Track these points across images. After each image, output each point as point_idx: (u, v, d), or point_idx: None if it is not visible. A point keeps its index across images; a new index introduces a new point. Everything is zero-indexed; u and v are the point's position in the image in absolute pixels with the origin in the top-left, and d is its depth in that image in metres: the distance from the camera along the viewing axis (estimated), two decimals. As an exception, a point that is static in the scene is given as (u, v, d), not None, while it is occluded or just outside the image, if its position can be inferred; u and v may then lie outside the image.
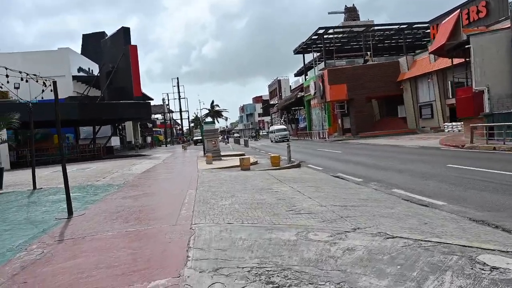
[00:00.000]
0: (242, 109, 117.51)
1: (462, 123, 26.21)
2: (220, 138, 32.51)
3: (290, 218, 5.65)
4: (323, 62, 44.33)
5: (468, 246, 4.08)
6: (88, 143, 31.64)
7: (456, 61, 22.33)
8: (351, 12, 65.01)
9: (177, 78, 70.41)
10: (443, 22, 20.43)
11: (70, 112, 26.23)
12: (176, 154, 29.86)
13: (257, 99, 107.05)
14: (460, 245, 4.12)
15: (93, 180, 12.71)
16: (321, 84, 37.90)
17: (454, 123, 27.75)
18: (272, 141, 44.14)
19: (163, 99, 69.19)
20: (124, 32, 30.17)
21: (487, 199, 7.02)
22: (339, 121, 39.47)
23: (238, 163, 14.62)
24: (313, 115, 48.22)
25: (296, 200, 7.17)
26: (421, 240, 4.34)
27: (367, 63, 38.61)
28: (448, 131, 27.89)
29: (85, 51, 48.54)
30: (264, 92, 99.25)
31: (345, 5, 65.62)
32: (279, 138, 41.84)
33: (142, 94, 32.91)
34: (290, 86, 71.91)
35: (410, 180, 9.96)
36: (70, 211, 6.86)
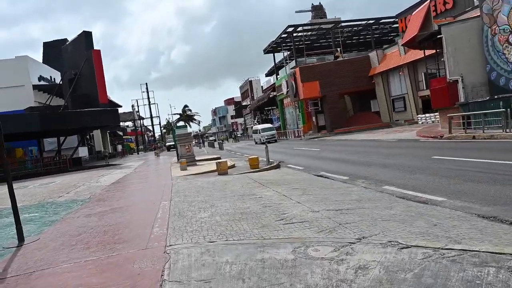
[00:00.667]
0: (215, 112, 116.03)
1: (437, 114, 26.40)
2: (194, 142, 31.39)
3: (282, 230, 4.87)
4: (294, 61, 44.04)
5: (499, 253, 3.43)
6: (53, 156, 29.76)
7: (428, 52, 22.35)
8: (318, 10, 65.34)
9: (146, 83, 68.35)
10: (413, 13, 20.36)
11: (31, 123, 24.48)
12: (149, 161, 28.55)
13: (229, 101, 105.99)
14: (490, 252, 3.47)
15: (55, 196, 11.48)
16: (293, 82, 37.50)
17: (427, 115, 27.93)
18: (257, 143, 38.49)
19: (133, 106, 67.09)
20: (86, 36, 28.56)
21: (487, 191, 6.51)
22: (314, 118, 39.21)
23: (215, 168, 13.75)
24: (287, 114, 47.84)
25: (284, 207, 6.40)
26: (442, 249, 3.66)
27: (338, 60, 38.56)
28: (422, 123, 28.04)
29: (47, 60, 45.94)
30: (236, 94, 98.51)
31: (312, 3, 65.93)
32: (266, 138, 35.65)
33: (109, 100, 31.31)
34: (262, 86, 71.47)
35: (398, 175, 9.42)
36: (21, 237, 5.81)
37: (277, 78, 50.95)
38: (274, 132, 38.63)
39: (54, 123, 25.25)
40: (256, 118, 69.17)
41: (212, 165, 16.26)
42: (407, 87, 30.54)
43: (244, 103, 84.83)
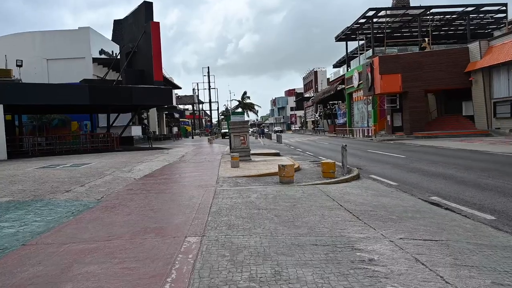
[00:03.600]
0: (274, 102, 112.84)
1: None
2: (250, 131, 28.09)
3: None
4: (370, 50, 38.87)
5: None
6: (102, 133, 28.21)
7: None
8: (400, -2, 58.47)
9: (208, 67, 66.30)
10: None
11: (80, 96, 22.71)
12: (200, 148, 25.82)
13: (290, 92, 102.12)
14: None
15: (63, 190, 8.63)
16: (369, 73, 32.60)
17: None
18: None
19: (193, 89, 65.84)
20: (146, 7, 26.22)
21: None
22: (388, 117, 34.05)
23: (274, 170, 10.19)
24: (355, 109, 42.86)
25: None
26: None
27: (425, 51, 32.85)
28: (536, 135, 22.19)
29: (115, 37, 45.42)
30: (298, 85, 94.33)
31: (394, -11, 59.05)
32: None
33: (164, 78, 28.97)
34: (328, 78, 66.40)
35: None
36: None
37: (348, 69, 45.92)
38: None
39: (103, 97, 23.29)
40: (318, 112, 64.59)
41: (271, 164, 12.76)
42: (518, 88, 24.49)
43: (306, 95, 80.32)
